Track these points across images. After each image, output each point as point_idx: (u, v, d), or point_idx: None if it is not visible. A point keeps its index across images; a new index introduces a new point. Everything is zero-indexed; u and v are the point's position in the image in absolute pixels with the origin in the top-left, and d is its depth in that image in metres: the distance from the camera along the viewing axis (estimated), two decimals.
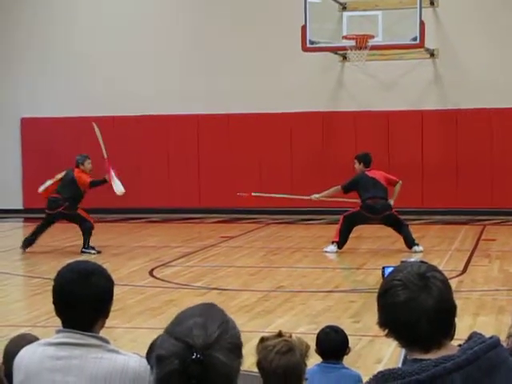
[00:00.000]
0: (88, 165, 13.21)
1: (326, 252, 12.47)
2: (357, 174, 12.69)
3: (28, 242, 13.03)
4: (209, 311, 1.95)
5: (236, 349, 1.92)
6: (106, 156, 13.26)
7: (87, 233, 12.85)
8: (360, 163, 12.70)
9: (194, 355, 1.84)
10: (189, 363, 1.84)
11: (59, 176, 13.41)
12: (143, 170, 17.99)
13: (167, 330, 1.93)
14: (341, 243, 12.48)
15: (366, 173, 12.58)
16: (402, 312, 2.25)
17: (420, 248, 12.39)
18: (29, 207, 18.18)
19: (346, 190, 12.72)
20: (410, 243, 12.43)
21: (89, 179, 13.02)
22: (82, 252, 12.67)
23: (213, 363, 1.85)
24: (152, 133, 17.92)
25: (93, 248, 12.81)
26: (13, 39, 18.60)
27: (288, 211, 16.91)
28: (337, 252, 12.43)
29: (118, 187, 13.09)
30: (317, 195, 13.32)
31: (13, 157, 18.66)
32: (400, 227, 12.53)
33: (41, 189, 13.27)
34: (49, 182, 13.35)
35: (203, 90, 17.60)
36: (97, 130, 13.63)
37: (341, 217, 12.63)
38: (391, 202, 12.51)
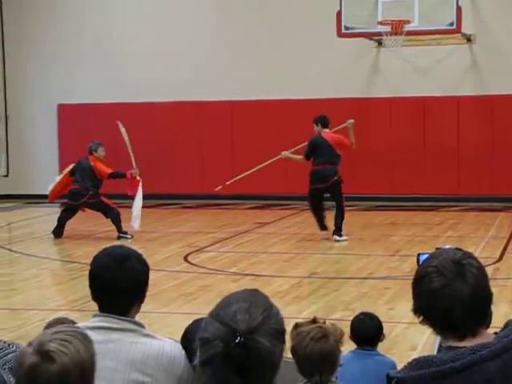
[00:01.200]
0: (102, 152, 13.25)
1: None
2: (313, 136, 12.57)
3: (57, 234, 13.08)
4: (253, 297, 1.97)
5: (279, 334, 1.94)
6: (135, 166, 13.16)
7: (117, 220, 12.90)
8: (318, 125, 12.59)
9: (237, 339, 1.86)
10: (232, 347, 1.87)
11: (67, 169, 13.50)
12: (178, 156, 18.05)
13: (212, 313, 1.96)
14: (321, 227, 12.44)
15: (322, 134, 12.46)
16: (437, 299, 2.25)
17: (342, 238, 12.29)
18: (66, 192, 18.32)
19: (308, 157, 12.58)
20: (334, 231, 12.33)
21: (109, 170, 13.02)
22: (119, 238, 12.76)
23: (256, 347, 1.88)
24: (186, 119, 17.96)
25: (126, 233, 12.90)
26: (48, 26, 18.72)
27: None
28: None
29: (136, 220, 12.86)
30: (286, 152, 13.25)
31: (50, 143, 18.82)
32: (337, 208, 12.39)
33: (50, 187, 13.35)
34: (57, 178, 13.47)
35: (237, 76, 17.58)
36: (123, 131, 13.59)
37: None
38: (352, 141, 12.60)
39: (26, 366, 2.16)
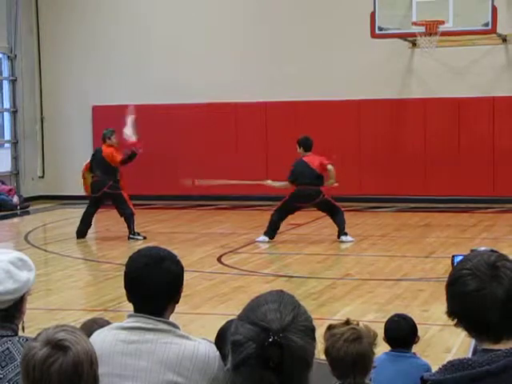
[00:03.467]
0: (114, 139, 13.15)
1: (257, 241, 12.43)
2: (296, 160, 12.55)
3: (81, 233, 13.04)
4: (280, 297, 1.98)
5: (310, 331, 1.95)
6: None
7: (130, 219, 12.84)
8: (300, 147, 12.57)
9: (271, 338, 1.88)
10: (266, 346, 1.88)
11: (85, 164, 13.42)
12: (211, 158, 18.08)
13: (241, 316, 1.97)
14: (270, 234, 12.46)
15: (303, 159, 12.46)
16: (472, 301, 2.23)
17: (348, 238, 12.30)
18: None
19: (292, 182, 12.55)
20: (339, 232, 12.36)
21: (119, 157, 12.90)
22: (130, 238, 12.73)
23: (289, 345, 1.89)
24: (220, 120, 17.99)
25: (138, 234, 12.86)
26: (81, 28, 18.86)
27: (356, 199, 16.82)
28: (269, 241, 12.39)
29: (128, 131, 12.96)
30: (271, 182, 13.18)
31: (85, 144, 18.97)
32: (335, 214, 12.41)
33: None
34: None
35: (271, 77, 17.59)
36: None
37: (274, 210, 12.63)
38: (334, 184, 12.30)
39: (37, 358, 2.14)
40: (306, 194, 12.30)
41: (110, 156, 12.93)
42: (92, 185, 13.15)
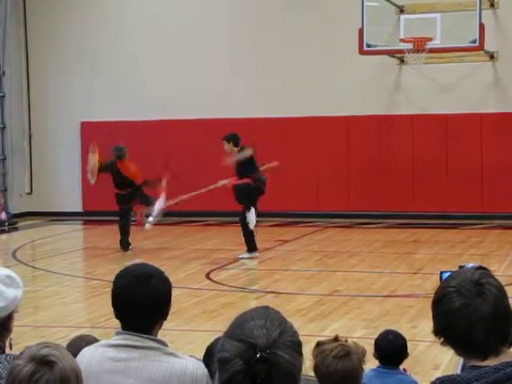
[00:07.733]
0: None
1: (243, 258, 12.37)
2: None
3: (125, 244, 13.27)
4: (266, 313, 1.98)
5: (297, 347, 1.95)
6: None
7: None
8: (229, 142, 12.87)
9: (258, 354, 1.87)
10: (254, 363, 1.87)
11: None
12: (201, 173, 18.06)
13: (227, 333, 1.96)
14: (253, 248, 12.46)
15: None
16: (458, 319, 2.24)
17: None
18: (88, 210, 18.43)
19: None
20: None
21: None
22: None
23: (277, 361, 1.88)
24: (207, 136, 17.99)
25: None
26: (71, 45, 18.88)
27: (345, 215, 16.84)
28: (254, 257, 12.39)
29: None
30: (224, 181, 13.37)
31: (73, 160, 18.93)
32: None
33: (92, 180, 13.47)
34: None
35: (256, 93, 17.62)
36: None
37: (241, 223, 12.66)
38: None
39: (23, 375, 2.11)
40: (263, 180, 12.48)
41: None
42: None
